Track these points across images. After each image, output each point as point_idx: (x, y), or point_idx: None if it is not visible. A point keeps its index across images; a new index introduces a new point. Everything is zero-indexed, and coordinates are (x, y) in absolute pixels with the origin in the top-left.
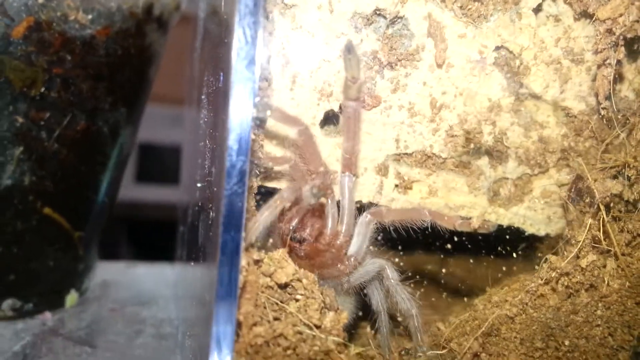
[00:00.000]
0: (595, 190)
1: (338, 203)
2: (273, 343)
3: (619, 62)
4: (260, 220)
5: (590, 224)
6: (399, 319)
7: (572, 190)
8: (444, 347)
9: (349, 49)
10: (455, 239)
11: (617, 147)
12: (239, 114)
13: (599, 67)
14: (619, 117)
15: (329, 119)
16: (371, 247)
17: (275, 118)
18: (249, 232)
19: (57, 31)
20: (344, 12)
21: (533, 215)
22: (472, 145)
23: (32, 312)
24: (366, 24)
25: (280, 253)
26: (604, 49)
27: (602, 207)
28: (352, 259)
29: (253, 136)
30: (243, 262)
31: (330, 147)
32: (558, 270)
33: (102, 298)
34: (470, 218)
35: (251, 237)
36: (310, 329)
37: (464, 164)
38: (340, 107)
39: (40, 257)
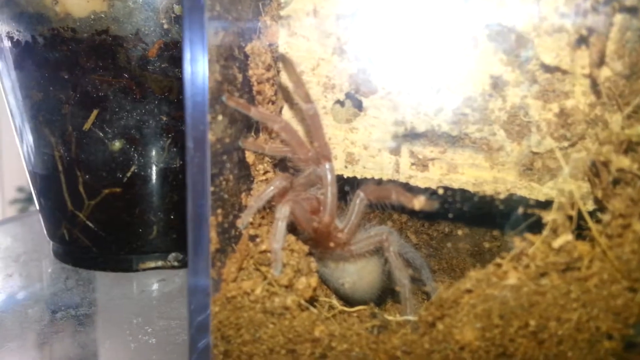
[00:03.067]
0: (564, 165)
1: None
2: (244, 296)
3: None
4: (253, 205)
5: (561, 203)
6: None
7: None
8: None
9: (282, 59)
10: None
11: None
12: (194, 113)
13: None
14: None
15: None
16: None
17: (255, 117)
18: (244, 216)
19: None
20: (328, 15)
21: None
22: (482, 122)
23: None
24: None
25: (268, 228)
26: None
27: (572, 185)
28: (344, 233)
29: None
30: (212, 232)
31: (342, 132)
32: (526, 248)
33: None
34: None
35: (247, 218)
36: (274, 287)
37: (479, 140)
38: (337, 100)
39: None
